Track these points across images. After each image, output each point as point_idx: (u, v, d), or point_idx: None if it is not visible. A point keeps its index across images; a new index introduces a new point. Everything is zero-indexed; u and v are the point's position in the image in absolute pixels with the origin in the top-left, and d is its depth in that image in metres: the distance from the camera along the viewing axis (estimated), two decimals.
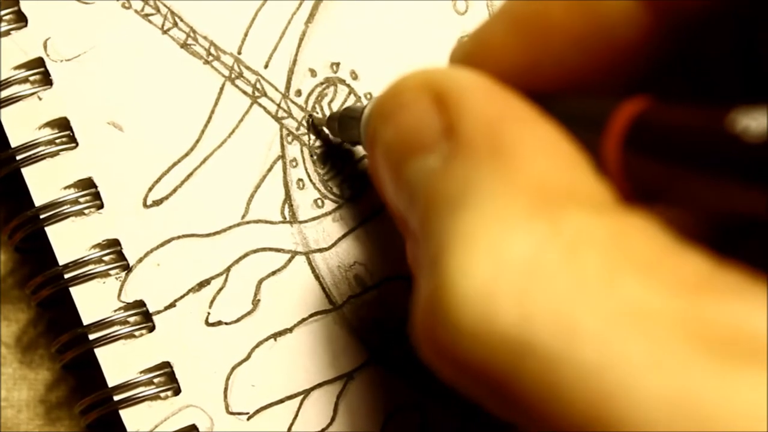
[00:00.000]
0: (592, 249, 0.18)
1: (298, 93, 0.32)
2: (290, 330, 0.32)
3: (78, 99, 0.31)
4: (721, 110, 0.17)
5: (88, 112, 0.31)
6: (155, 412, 0.31)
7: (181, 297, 0.31)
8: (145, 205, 0.31)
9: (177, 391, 0.31)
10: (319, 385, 0.31)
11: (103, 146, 0.31)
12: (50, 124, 0.31)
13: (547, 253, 0.18)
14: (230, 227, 0.31)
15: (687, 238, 0.18)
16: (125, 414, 0.30)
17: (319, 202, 0.32)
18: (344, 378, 0.32)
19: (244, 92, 0.32)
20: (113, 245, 0.31)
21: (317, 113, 0.32)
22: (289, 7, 0.32)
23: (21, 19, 0.31)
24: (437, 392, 0.32)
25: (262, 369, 0.31)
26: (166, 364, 0.31)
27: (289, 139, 0.32)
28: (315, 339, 0.32)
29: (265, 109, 0.32)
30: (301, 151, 0.32)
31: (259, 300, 0.31)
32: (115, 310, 0.31)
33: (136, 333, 0.31)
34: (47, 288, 0.31)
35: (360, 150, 0.32)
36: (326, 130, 0.32)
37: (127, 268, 0.31)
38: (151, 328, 0.31)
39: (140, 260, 0.31)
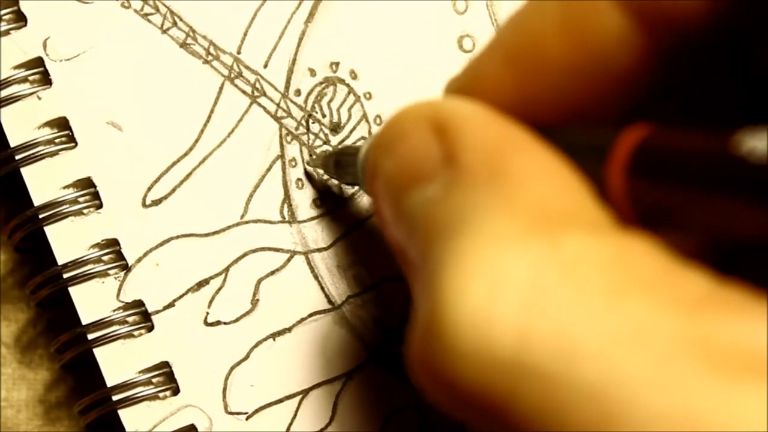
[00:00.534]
0: (592, 269, 0.17)
1: (298, 92, 0.32)
2: (289, 330, 0.31)
3: (77, 99, 0.31)
4: (725, 133, 0.17)
5: (88, 112, 0.31)
6: (154, 412, 0.31)
7: (180, 297, 0.31)
8: (144, 204, 0.31)
9: (176, 391, 0.31)
10: (318, 385, 0.31)
11: (102, 146, 0.31)
12: (49, 123, 0.31)
13: (545, 273, 0.17)
14: (229, 227, 0.31)
15: (686, 258, 0.18)
16: (124, 414, 0.30)
17: (318, 201, 0.32)
18: (343, 378, 0.32)
19: (244, 92, 0.32)
20: (112, 245, 0.31)
21: (316, 113, 0.32)
22: (289, 7, 0.32)
23: (20, 19, 0.31)
24: None
25: (260, 369, 0.31)
26: (165, 364, 0.31)
27: (289, 138, 0.32)
28: (314, 339, 0.32)
29: (264, 108, 0.32)
30: (301, 151, 0.32)
31: (258, 300, 0.31)
32: (114, 310, 0.31)
33: (135, 333, 0.31)
34: (46, 288, 0.31)
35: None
36: (321, 172, 0.32)
37: (126, 268, 0.31)
38: (150, 328, 0.31)
39: (139, 260, 0.31)
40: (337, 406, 0.31)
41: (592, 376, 0.16)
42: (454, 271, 0.18)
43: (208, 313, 0.31)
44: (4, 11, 0.31)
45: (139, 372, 0.31)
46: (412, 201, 0.21)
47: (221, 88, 0.32)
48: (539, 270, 0.18)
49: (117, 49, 0.32)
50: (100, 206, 0.31)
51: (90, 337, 0.30)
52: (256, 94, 0.32)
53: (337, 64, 0.33)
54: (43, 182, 0.31)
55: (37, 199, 0.31)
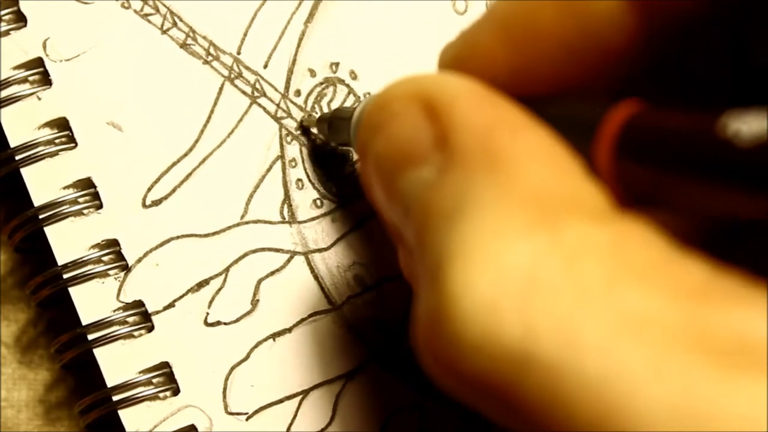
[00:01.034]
0: (593, 258, 0.17)
1: (298, 93, 0.32)
2: (289, 330, 0.32)
3: (77, 99, 0.31)
4: (712, 114, 0.17)
5: (88, 112, 0.31)
6: (154, 413, 0.31)
7: (180, 297, 0.31)
8: (144, 205, 0.31)
9: (176, 392, 0.31)
10: (319, 385, 0.31)
11: (102, 146, 0.31)
12: (49, 124, 0.31)
13: (547, 263, 0.18)
14: (229, 227, 0.31)
15: (684, 243, 0.18)
16: (124, 414, 0.30)
17: (318, 202, 0.32)
18: (343, 378, 0.32)
19: (244, 92, 0.32)
20: (112, 245, 0.31)
21: (316, 113, 0.32)
22: (289, 7, 0.32)
23: (20, 19, 0.31)
24: (437, 392, 0.32)
25: (261, 369, 0.31)
26: (165, 365, 0.31)
27: (289, 139, 0.32)
28: (314, 339, 0.32)
29: (264, 109, 0.32)
30: (300, 151, 0.32)
31: (258, 300, 0.31)
32: (114, 310, 0.31)
33: (135, 333, 0.31)
34: (47, 288, 0.31)
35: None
36: (316, 132, 0.32)
37: (126, 268, 0.31)
38: (150, 329, 0.31)
39: (139, 260, 0.31)
40: (338, 406, 0.31)
41: (594, 368, 0.16)
42: (458, 263, 0.18)
43: (208, 314, 0.31)
44: (4, 11, 0.31)
45: (140, 372, 0.31)
46: (405, 183, 0.21)
47: (221, 89, 0.32)
48: (541, 260, 0.18)
49: (117, 49, 0.32)
50: (100, 206, 0.31)
51: (90, 337, 0.30)
52: (256, 94, 0.32)
53: (337, 64, 0.33)
54: (43, 182, 0.31)
55: (37, 200, 0.31)
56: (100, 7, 0.32)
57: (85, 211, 0.31)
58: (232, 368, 0.31)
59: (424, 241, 0.20)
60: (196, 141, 0.32)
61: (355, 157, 0.32)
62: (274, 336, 0.31)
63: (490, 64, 0.21)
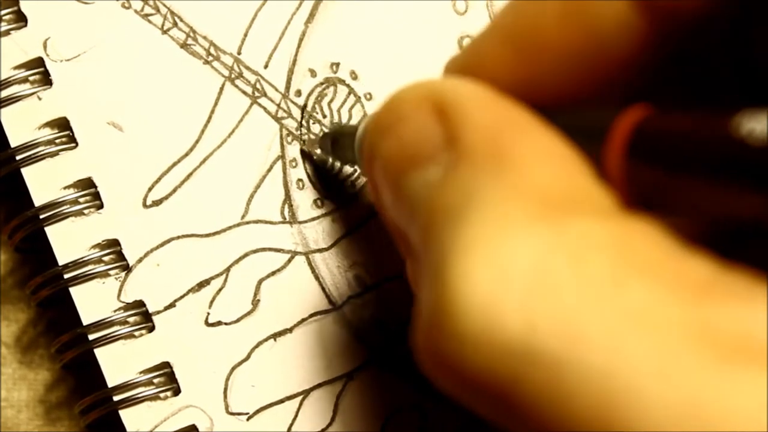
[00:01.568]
0: (597, 254, 0.17)
1: (298, 93, 0.32)
2: (290, 330, 0.32)
3: (78, 99, 0.31)
4: (724, 114, 0.17)
5: (88, 112, 0.31)
6: (155, 413, 0.31)
7: (181, 297, 0.31)
8: (144, 205, 0.31)
9: (177, 392, 0.31)
10: (319, 386, 0.31)
11: (102, 146, 0.31)
12: (50, 124, 0.31)
13: (551, 259, 0.18)
14: (230, 227, 0.31)
15: (690, 242, 0.18)
16: (125, 414, 0.30)
17: (319, 202, 0.32)
18: (344, 378, 0.32)
19: (244, 92, 0.32)
20: (113, 245, 0.31)
21: (316, 113, 0.32)
22: (289, 7, 0.32)
23: (21, 19, 0.31)
24: (437, 392, 0.32)
25: (261, 369, 0.31)
26: (166, 365, 0.31)
27: (289, 139, 0.32)
28: (315, 339, 0.32)
29: (264, 109, 0.32)
30: (301, 152, 0.32)
31: (258, 300, 0.31)
32: (115, 310, 0.31)
33: (136, 333, 0.31)
34: (47, 288, 0.31)
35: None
36: (319, 152, 0.32)
37: (127, 268, 0.31)
38: (151, 329, 0.31)
39: (140, 260, 0.31)
40: (338, 406, 0.31)
41: (597, 363, 0.16)
42: (460, 258, 0.18)
43: (209, 314, 0.31)
44: (4, 11, 0.31)
45: (140, 372, 0.31)
46: (412, 184, 0.21)
47: (222, 89, 0.32)
48: (545, 256, 0.18)
49: (117, 49, 0.32)
50: (100, 206, 0.31)
51: (91, 337, 0.30)
52: (256, 94, 0.32)
53: (338, 64, 0.33)
54: (43, 182, 0.31)
55: (38, 200, 0.31)
56: (101, 7, 0.32)
57: (85, 211, 0.31)
58: (233, 368, 0.31)
59: (429, 240, 0.20)
60: (197, 141, 0.32)
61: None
62: (275, 336, 0.31)
63: (497, 75, 0.21)
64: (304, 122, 0.32)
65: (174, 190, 0.31)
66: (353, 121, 0.33)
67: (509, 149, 0.19)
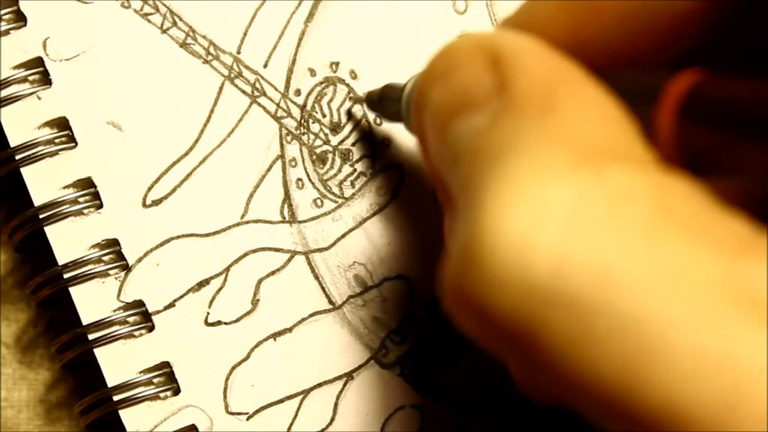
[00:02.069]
0: (637, 204, 0.17)
1: (298, 92, 0.32)
2: (290, 330, 0.31)
3: (77, 98, 0.31)
4: None
5: (88, 112, 0.31)
6: (155, 412, 0.31)
7: (181, 297, 0.31)
8: (144, 204, 0.31)
9: (176, 391, 0.31)
10: (319, 385, 0.31)
11: (102, 146, 0.31)
12: (49, 123, 0.31)
13: (589, 203, 0.17)
14: (229, 227, 0.31)
15: (729, 204, 0.18)
16: (125, 414, 0.30)
17: (319, 201, 0.32)
18: (344, 378, 0.32)
19: (244, 92, 0.32)
20: (112, 245, 0.31)
21: (316, 113, 0.32)
22: (289, 7, 0.32)
23: (20, 19, 0.31)
24: (437, 392, 0.32)
25: (261, 369, 0.31)
26: (166, 364, 0.31)
27: (289, 138, 0.32)
28: (314, 339, 0.32)
29: (264, 108, 0.32)
30: (301, 151, 0.32)
31: (258, 300, 0.31)
32: (115, 310, 0.31)
33: (136, 333, 0.31)
34: (47, 288, 0.31)
35: (359, 150, 0.32)
36: (366, 108, 0.32)
37: (127, 268, 0.31)
38: (151, 328, 0.31)
39: (139, 260, 0.31)
40: (338, 406, 0.31)
41: (628, 309, 0.16)
42: (496, 196, 0.18)
43: (208, 313, 0.31)
44: (3, 11, 0.31)
45: (140, 372, 0.31)
46: (458, 130, 0.21)
47: (221, 88, 0.32)
48: (583, 200, 0.17)
49: (117, 49, 0.31)
50: (100, 206, 0.31)
51: (90, 337, 0.30)
52: (256, 93, 0.32)
53: (337, 64, 0.33)
54: (43, 182, 0.31)
55: (38, 199, 0.31)
56: (100, 7, 0.32)
57: (85, 211, 0.31)
58: (233, 368, 0.31)
59: (468, 183, 0.19)
60: (196, 140, 0.32)
61: (358, 154, 0.32)
62: (275, 336, 0.31)
63: (550, 35, 0.21)
64: (303, 122, 0.32)
65: (173, 190, 0.31)
66: (352, 121, 0.32)
67: (558, 99, 0.19)
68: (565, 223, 0.17)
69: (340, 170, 0.32)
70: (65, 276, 0.31)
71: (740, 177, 0.18)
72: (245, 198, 0.32)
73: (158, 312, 0.31)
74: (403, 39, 0.33)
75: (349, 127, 0.33)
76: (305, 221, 0.32)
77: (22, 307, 0.33)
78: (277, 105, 0.32)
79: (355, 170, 0.32)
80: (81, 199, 0.31)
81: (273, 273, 0.32)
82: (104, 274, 0.31)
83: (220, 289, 0.31)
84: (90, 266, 0.31)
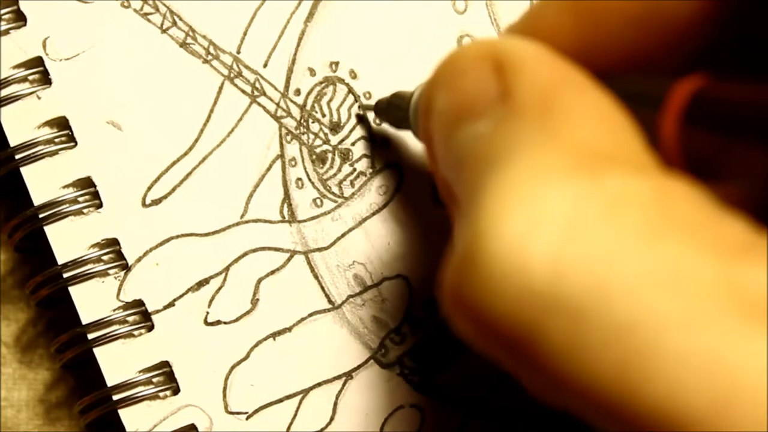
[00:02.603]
0: (634, 207, 0.17)
1: (297, 92, 0.32)
2: (289, 329, 0.31)
3: (77, 98, 0.31)
4: None
5: (87, 112, 0.31)
6: (154, 412, 0.31)
7: (180, 296, 0.31)
8: (144, 204, 0.31)
9: (176, 391, 0.31)
10: (319, 385, 0.31)
11: (102, 145, 0.31)
12: (49, 123, 0.31)
13: (586, 208, 0.17)
14: (229, 226, 0.31)
15: (728, 206, 0.18)
16: (124, 413, 0.30)
17: (318, 201, 0.32)
18: (343, 377, 0.32)
19: (243, 91, 0.32)
20: (112, 244, 0.31)
21: (315, 112, 0.32)
22: (289, 7, 0.32)
23: (20, 18, 0.31)
24: (437, 392, 0.32)
25: (261, 368, 0.31)
26: (165, 364, 0.31)
27: (288, 138, 0.32)
28: (314, 338, 0.32)
29: (264, 108, 0.32)
30: (300, 151, 0.32)
31: (258, 299, 0.31)
32: (114, 310, 0.31)
33: (135, 332, 0.31)
34: (46, 287, 0.31)
35: (359, 149, 0.32)
36: (372, 116, 0.32)
37: (126, 268, 0.31)
38: (150, 328, 0.31)
39: (139, 259, 0.31)
40: (338, 405, 0.31)
41: (623, 314, 0.16)
42: (494, 201, 0.18)
43: (208, 313, 0.31)
44: (3, 11, 0.31)
45: (139, 372, 0.31)
46: (463, 135, 0.21)
47: (221, 88, 0.32)
48: (580, 204, 0.17)
49: (117, 48, 0.31)
50: (100, 206, 0.31)
51: (90, 336, 0.30)
52: (255, 93, 0.32)
53: (337, 63, 0.33)
54: (42, 182, 0.31)
55: (37, 199, 0.31)
56: (100, 7, 0.32)
57: (84, 211, 0.31)
58: (232, 367, 0.31)
59: (470, 188, 0.19)
60: (196, 140, 0.32)
61: (358, 154, 0.32)
62: (274, 335, 0.31)
63: (556, 40, 0.21)
64: (303, 121, 0.32)
65: (173, 190, 0.31)
66: (352, 121, 0.33)
67: (558, 105, 0.19)
68: (561, 228, 0.17)
69: (339, 170, 0.32)
70: (65, 275, 0.31)
71: (742, 181, 0.18)
72: (245, 197, 0.32)
73: (158, 311, 0.31)
74: (403, 39, 0.33)
75: (348, 127, 0.33)
76: (305, 221, 0.32)
77: (22, 306, 0.33)
78: (277, 105, 0.32)
79: (354, 170, 0.32)
80: (81, 199, 0.31)
81: (272, 272, 0.32)
82: (104, 273, 0.31)
83: (219, 288, 0.31)
84: (89, 266, 0.31)
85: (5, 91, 0.31)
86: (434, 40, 0.33)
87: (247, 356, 0.31)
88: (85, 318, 0.31)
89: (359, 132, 0.33)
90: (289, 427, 0.31)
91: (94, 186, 0.31)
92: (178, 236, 0.31)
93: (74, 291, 0.31)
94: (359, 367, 0.32)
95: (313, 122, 0.32)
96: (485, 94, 0.21)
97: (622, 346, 0.16)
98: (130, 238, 0.31)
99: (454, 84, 0.22)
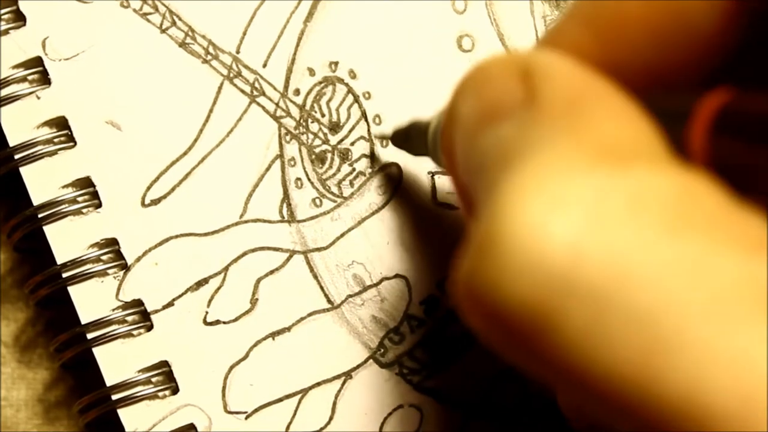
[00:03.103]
0: (657, 199, 0.17)
1: (297, 92, 0.32)
2: (288, 329, 0.32)
3: (76, 98, 0.31)
4: None
5: (87, 111, 0.31)
6: (153, 411, 0.31)
7: (180, 296, 0.31)
8: (143, 204, 0.31)
9: (175, 390, 0.31)
10: (318, 384, 0.31)
11: (101, 145, 0.31)
12: (48, 123, 0.31)
13: (610, 197, 0.17)
14: (228, 226, 0.31)
15: (750, 205, 0.18)
16: (123, 413, 0.30)
17: (318, 201, 0.32)
18: (342, 377, 0.32)
19: (243, 91, 0.32)
20: (111, 244, 0.31)
21: (315, 112, 0.32)
22: (288, 6, 0.32)
23: (20, 18, 0.31)
24: (436, 392, 0.32)
25: (260, 368, 0.31)
26: (164, 363, 0.31)
27: (288, 138, 0.32)
28: (313, 338, 0.32)
29: (263, 108, 0.32)
30: (300, 150, 0.32)
31: (257, 299, 0.31)
32: (114, 309, 0.31)
33: (134, 332, 0.31)
34: (46, 287, 0.31)
35: (358, 149, 0.32)
36: (388, 144, 0.32)
37: (125, 267, 0.31)
38: (150, 327, 0.31)
39: (138, 259, 0.31)
40: (337, 405, 0.31)
41: (645, 302, 0.16)
42: (516, 187, 0.18)
43: (207, 313, 0.31)
44: (3, 11, 0.31)
45: (139, 371, 0.31)
46: (487, 138, 0.21)
47: (220, 88, 0.32)
48: (604, 193, 0.17)
49: (116, 48, 0.32)
50: (99, 206, 0.31)
51: (89, 336, 0.31)
52: (255, 93, 0.32)
53: (336, 63, 0.33)
54: (42, 182, 0.31)
55: (36, 199, 0.31)
56: (99, 6, 0.32)
57: (84, 210, 0.31)
58: (232, 367, 0.31)
59: (492, 183, 0.19)
60: (195, 140, 0.32)
61: (357, 153, 0.32)
62: (274, 335, 0.31)
63: (578, 58, 0.21)
64: (302, 121, 0.32)
65: (172, 189, 0.31)
66: (351, 121, 0.33)
67: (584, 106, 0.19)
68: (584, 214, 0.17)
69: (339, 170, 0.32)
70: (64, 275, 0.31)
71: None
72: (244, 197, 0.32)
73: (157, 311, 0.31)
74: (403, 39, 0.33)
75: (348, 127, 0.33)
76: (304, 221, 0.32)
77: (21, 306, 0.33)
78: (276, 104, 0.32)
79: (354, 170, 0.32)
80: (80, 199, 0.31)
81: (272, 272, 0.32)
82: (103, 273, 0.31)
83: (218, 288, 0.31)
84: (89, 265, 0.31)
85: (5, 91, 0.31)
86: (434, 40, 0.33)
87: (247, 356, 0.31)
88: (85, 318, 0.31)
89: (358, 132, 0.33)
90: (288, 427, 0.31)
91: (94, 186, 0.31)
92: (177, 236, 0.31)
93: (73, 291, 0.31)
94: (358, 366, 0.32)
95: (312, 122, 0.32)
96: (511, 99, 0.21)
97: (642, 334, 0.16)
98: (129, 238, 0.31)
99: (479, 91, 0.22)
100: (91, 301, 0.31)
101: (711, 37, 0.21)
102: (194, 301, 0.31)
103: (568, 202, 0.17)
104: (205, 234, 0.31)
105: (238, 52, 0.32)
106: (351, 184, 0.32)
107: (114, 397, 0.30)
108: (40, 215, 0.31)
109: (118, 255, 0.31)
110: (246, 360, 0.31)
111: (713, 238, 0.17)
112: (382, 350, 0.32)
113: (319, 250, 0.32)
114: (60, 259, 0.31)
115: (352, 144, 0.32)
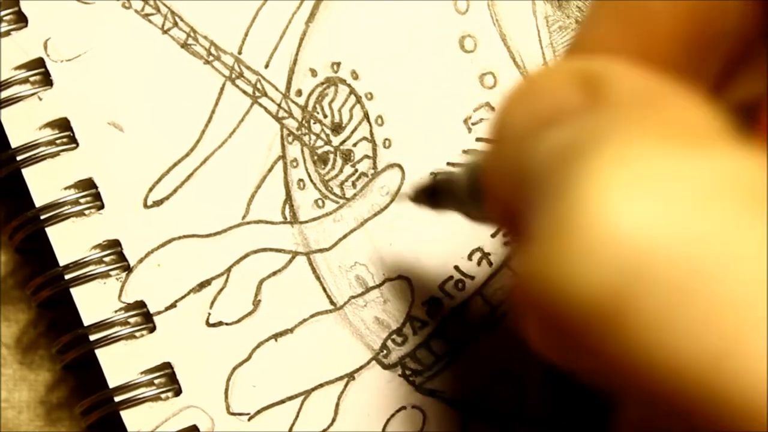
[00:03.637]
0: (737, 185, 0.17)
1: (299, 93, 0.32)
2: (291, 330, 0.31)
3: (78, 99, 0.31)
4: None
5: (89, 113, 0.31)
6: (156, 413, 0.31)
7: (182, 297, 0.31)
8: (145, 205, 0.31)
9: (178, 392, 0.31)
10: (320, 386, 0.31)
11: (103, 147, 0.31)
12: (51, 124, 0.31)
13: (691, 181, 0.17)
14: (231, 227, 0.31)
15: None
16: (126, 415, 0.30)
17: (320, 202, 0.32)
18: (345, 378, 0.32)
19: (245, 92, 0.32)
20: (114, 246, 0.31)
21: (317, 113, 0.32)
22: (290, 7, 0.32)
23: (21, 20, 0.31)
24: (438, 393, 0.32)
25: (263, 369, 0.31)
26: (167, 365, 0.31)
27: (290, 139, 0.32)
28: (316, 339, 0.32)
29: (265, 109, 0.32)
30: (302, 152, 0.32)
31: (259, 300, 0.31)
32: (116, 311, 0.31)
33: (137, 334, 0.31)
34: (48, 289, 0.31)
35: (361, 150, 0.32)
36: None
37: (128, 269, 0.31)
38: (152, 329, 0.31)
39: (141, 261, 0.31)
40: (339, 406, 0.31)
41: (727, 291, 0.15)
42: (590, 174, 0.17)
43: (209, 314, 0.31)
44: (4, 12, 0.31)
45: (141, 373, 0.31)
46: (545, 142, 0.19)
47: (222, 89, 0.32)
48: (684, 177, 0.17)
49: (118, 49, 0.31)
50: (101, 207, 0.31)
51: (92, 338, 0.30)
52: (257, 94, 0.32)
53: (339, 64, 0.33)
54: (44, 183, 0.31)
55: (39, 200, 0.31)
56: (101, 7, 0.32)
57: (86, 212, 0.31)
58: (234, 368, 0.31)
59: (553, 183, 0.18)
60: (198, 141, 0.32)
61: (360, 154, 0.32)
62: (276, 336, 0.31)
63: (624, 59, 0.21)
64: (304, 122, 0.32)
65: (175, 191, 0.31)
66: (354, 122, 0.32)
67: (652, 99, 0.19)
68: (662, 197, 0.16)
69: (341, 171, 0.32)
70: (66, 277, 0.31)
71: None
72: (246, 198, 0.32)
73: (159, 313, 0.31)
74: (405, 39, 0.33)
75: (350, 128, 0.33)
76: (306, 222, 0.32)
77: (23, 307, 0.33)
78: (279, 105, 0.32)
79: (356, 171, 0.32)
80: (82, 200, 0.31)
81: (274, 273, 0.32)
82: (105, 274, 0.31)
83: (221, 289, 0.31)
84: (91, 267, 0.31)
85: (6, 93, 0.31)
86: (436, 41, 0.33)
87: (249, 357, 0.31)
88: (87, 319, 0.31)
89: (361, 133, 0.33)
90: (291, 428, 0.31)
91: (96, 187, 0.31)
92: (179, 237, 0.31)
93: (76, 292, 0.31)
94: (361, 368, 0.32)
95: (314, 123, 0.32)
96: (569, 105, 0.20)
97: (727, 323, 0.15)
98: (131, 240, 0.31)
99: (532, 102, 0.21)
100: (93, 302, 0.31)
101: (741, 38, 0.20)
102: (197, 303, 0.31)
103: (648, 184, 0.17)
104: (208, 235, 0.31)
105: (240, 52, 0.32)
106: (353, 185, 0.32)
107: (116, 398, 0.30)
108: (42, 217, 0.31)
109: (121, 256, 0.31)
110: (249, 361, 0.31)
111: None
112: (385, 351, 0.32)
113: (321, 251, 0.32)
114: (62, 261, 0.31)
115: (355, 145, 0.32)
